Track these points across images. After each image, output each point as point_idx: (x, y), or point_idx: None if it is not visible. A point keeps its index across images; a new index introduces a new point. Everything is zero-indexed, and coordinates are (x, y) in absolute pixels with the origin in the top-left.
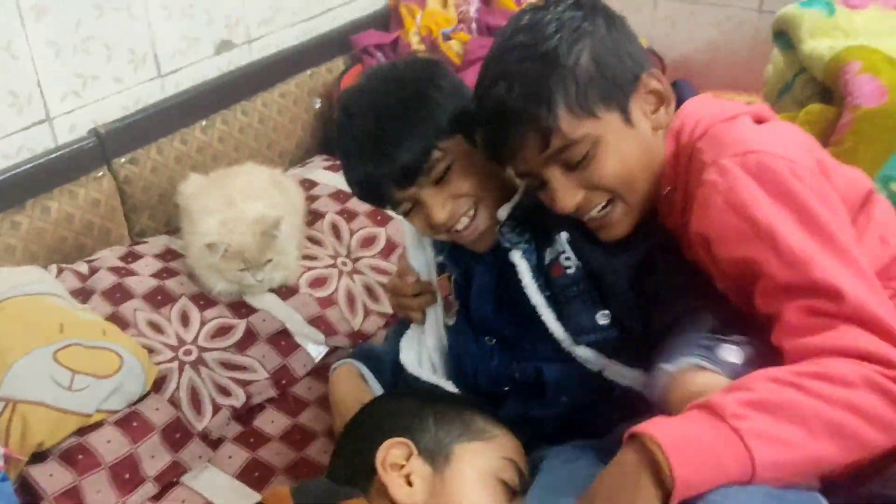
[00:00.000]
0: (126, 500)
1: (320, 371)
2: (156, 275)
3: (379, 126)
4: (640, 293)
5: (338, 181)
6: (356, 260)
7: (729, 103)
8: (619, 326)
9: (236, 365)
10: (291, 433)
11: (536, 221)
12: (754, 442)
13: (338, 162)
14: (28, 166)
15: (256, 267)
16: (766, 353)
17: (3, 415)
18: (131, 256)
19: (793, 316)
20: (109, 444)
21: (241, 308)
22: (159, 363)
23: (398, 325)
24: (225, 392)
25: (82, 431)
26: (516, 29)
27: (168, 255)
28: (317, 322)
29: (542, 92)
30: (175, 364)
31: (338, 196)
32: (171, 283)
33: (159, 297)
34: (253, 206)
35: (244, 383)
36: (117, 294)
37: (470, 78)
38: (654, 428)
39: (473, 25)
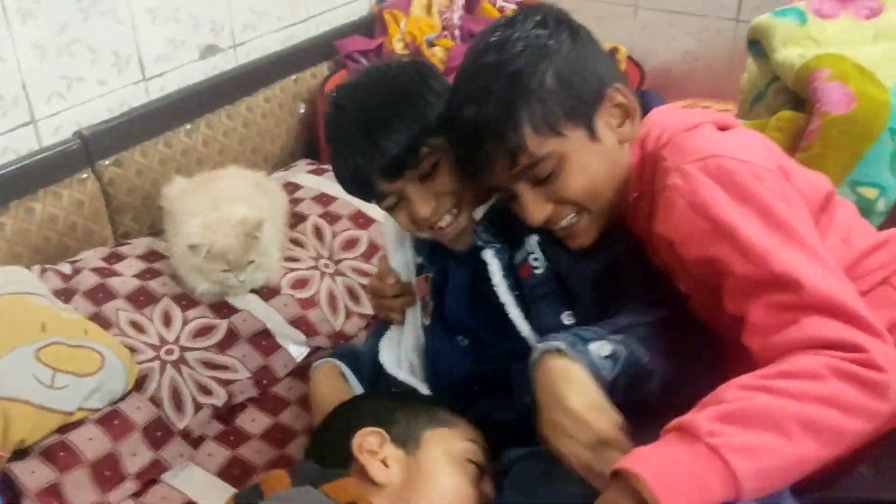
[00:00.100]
0: (107, 498)
1: (301, 371)
2: (138, 275)
3: (370, 118)
4: (602, 297)
5: (321, 184)
6: (338, 262)
7: (693, 112)
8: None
9: (218, 364)
10: (272, 432)
11: (510, 223)
12: (732, 456)
13: (322, 166)
14: (12, 168)
15: (239, 268)
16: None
17: None
18: (114, 257)
19: (758, 315)
20: (91, 442)
21: (222, 308)
22: (141, 362)
23: (379, 325)
24: (206, 391)
25: (64, 429)
26: (484, 48)
27: (151, 256)
28: (298, 323)
29: (509, 112)
30: (157, 363)
31: (321, 199)
32: (154, 284)
33: (142, 298)
34: (236, 208)
35: (225, 383)
36: (100, 294)
37: None
38: (635, 463)
39: (457, 32)
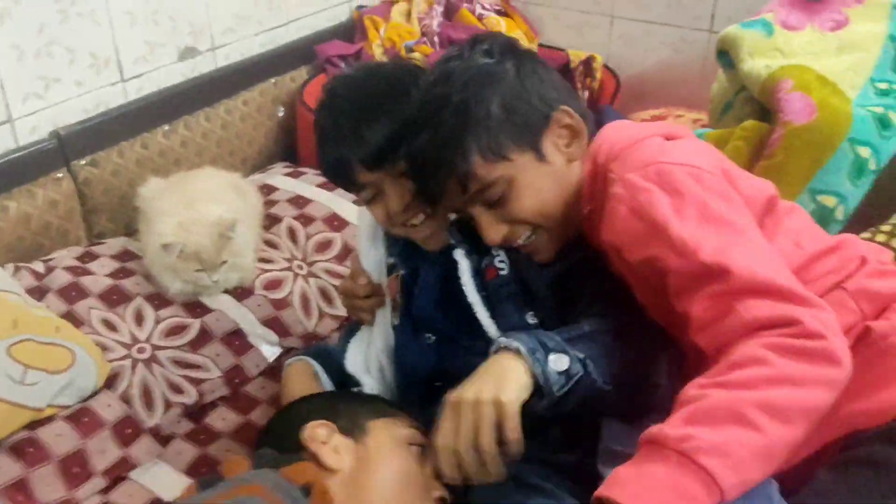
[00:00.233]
0: (74, 494)
1: (273, 371)
2: (112, 275)
3: (358, 108)
4: (561, 300)
5: (297, 187)
6: (312, 263)
7: (644, 126)
8: (546, 328)
9: (189, 363)
10: (242, 430)
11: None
12: (705, 458)
13: (298, 168)
14: None
15: (212, 268)
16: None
17: None
18: (88, 256)
19: (697, 309)
20: (59, 439)
21: (195, 308)
22: (112, 360)
23: (351, 326)
24: (177, 390)
25: (33, 425)
26: (434, 79)
27: (125, 255)
28: (271, 323)
29: (457, 141)
30: (128, 361)
31: (296, 201)
32: (127, 283)
33: (115, 297)
34: (210, 208)
35: (197, 381)
36: (73, 293)
37: None
38: (614, 489)
39: (436, 39)
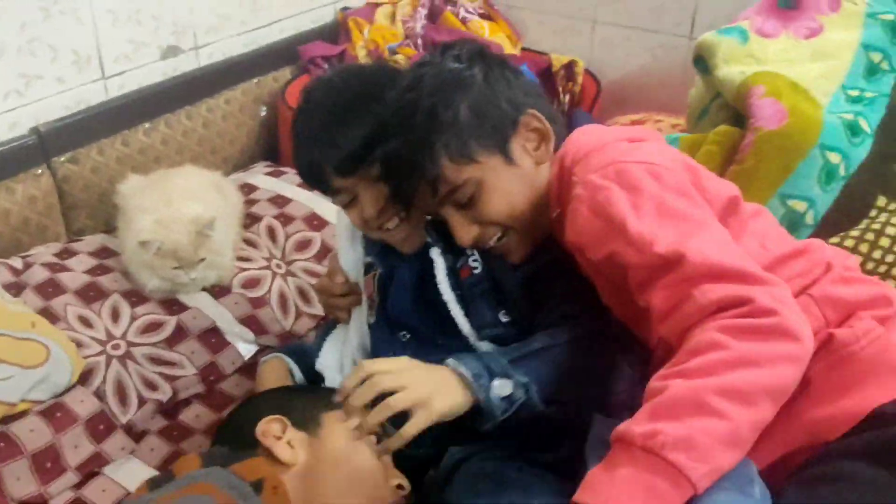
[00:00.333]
0: (46, 489)
1: (249, 368)
2: (89, 271)
3: (333, 113)
4: (533, 300)
5: (278, 186)
6: (290, 263)
7: (610, 130)
8: (517, 326)
9: (164, 360)
10: (216, 427)
11: None
12: (672, 453)
13: (279, 168)
14: None
15: (189, 266)
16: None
17: None
18: (66, 253)
19: (657, 300)
20: (32, 434)
21: (172, 305)
22: (87, 356)
23: (328, 324)
24: (151, 386)
25: (6, 420)
26: (406, 85)
27: (103, 252)
28: (248, 321)
29: (427, 145)
30: (102, 358)
31: (276, 201)
32: (105, 280)
33: (91, 293)
34: (189, 206)
35: (171, 378)
36: (49, 289)
37: None
38: (587, 493)
39: (419, 41)
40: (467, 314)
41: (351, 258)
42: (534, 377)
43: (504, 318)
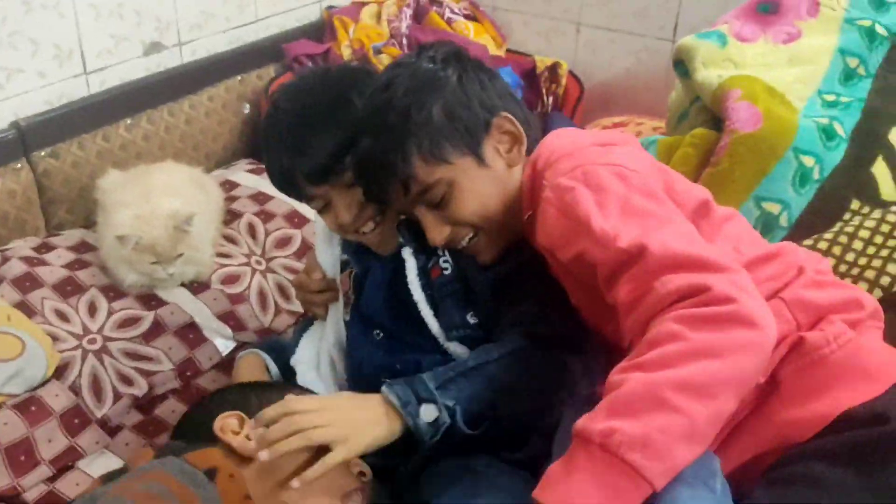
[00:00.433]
0: (20, 481)
1: (226, 364)
2: (67, 265)
3: (301, 122)
4: (502, 302)
5: (259, 183)
6: (270, 259)
7: (583, 134)
8: (486, 328)
9: (141, 355)
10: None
11: None
12: (628, 453)
13: (261, 165)
14: None
15: (167, 261)
16: None
17: None
18: (45, 247)
19: (622, 295)
20: (6, 427)
21: (150, 300)
22: (63, 351)
23: (306, 321)
24: (127, 381)
25: None
26: (380, 86)
27: (82, 247)
28: (226, 317)
29: (399, 145)
30: (78, 352)
31: (257, 198)
32: (82, 275)
33: (69, 287)
34: (168, 201)
35: (148, 374)
36: (27, 282)
37: None
38: (545, 491)
39: (404, 41)
40: (437, 315)
41: (328, 256)
42: (463, 398)
43: (472, 320)
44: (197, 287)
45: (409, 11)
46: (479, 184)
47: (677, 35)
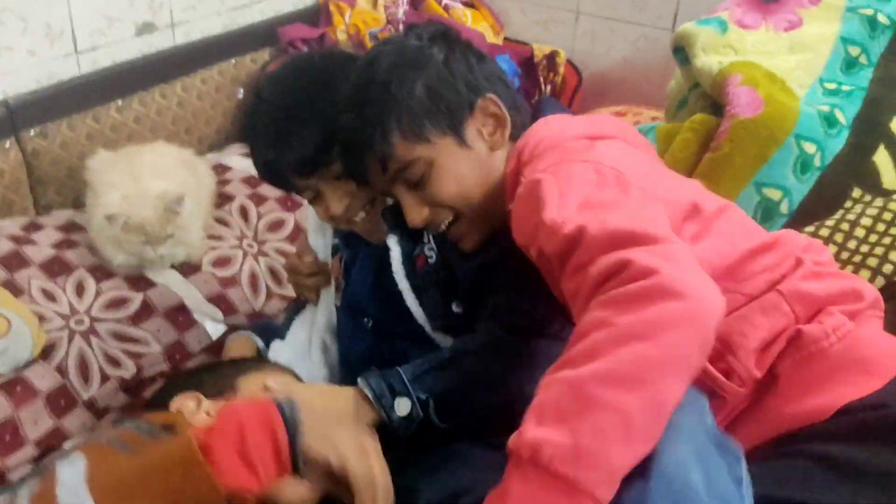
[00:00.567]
0: (5, 461)
1: (216, 348)
2: (55, 245)
3: (284, 115)
4: (485, 291)
5: (251, 167)
6: (262, 243)
7: (572, 124)
8: (469, 317)
9: (129, 337)
10: None
11: None
12: (561, 466)
13: None
14: None
15: (157, 241)
16: None
17: None
18: (33, 227)
19: (568, 287)
20: None
21: (139, 282)
22: (49, 331)
23: (298, 304)
24: (115, 363)
25: None
26: (364, 62)
27: (71, 227)
28: (217, 300)
29: (378, 120)
30: (65, 333)
31: (249, 181)
32: (70, 255)
33: (56, 267)
34: (158, 182)
35: (136, 356)
36: (14, 262)
37: None
38: None
39: (401, 27)
40: (422, 303)
41: (320, 241)
42: (437, 391)
43: (456, 309)
44: (187, 269)
45: None
46: (459, 165)
47: (677, 24)
